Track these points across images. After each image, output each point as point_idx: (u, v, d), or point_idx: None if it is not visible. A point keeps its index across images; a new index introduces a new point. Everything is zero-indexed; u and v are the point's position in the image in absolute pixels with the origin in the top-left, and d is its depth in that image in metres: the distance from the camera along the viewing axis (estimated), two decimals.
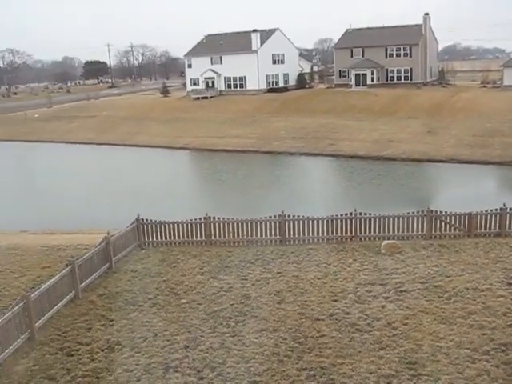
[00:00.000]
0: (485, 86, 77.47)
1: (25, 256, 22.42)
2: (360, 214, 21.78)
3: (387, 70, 79.83)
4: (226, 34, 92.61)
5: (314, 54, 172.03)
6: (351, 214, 21.82)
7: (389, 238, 21.28)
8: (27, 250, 23.33)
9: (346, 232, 21.84)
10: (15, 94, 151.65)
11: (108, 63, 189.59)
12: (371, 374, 12.18)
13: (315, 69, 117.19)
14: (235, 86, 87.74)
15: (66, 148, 71.14)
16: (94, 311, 16.23)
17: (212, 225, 22.25)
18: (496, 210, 21.87)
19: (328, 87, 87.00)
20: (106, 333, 14.72)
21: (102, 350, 13.76)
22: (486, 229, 21.95)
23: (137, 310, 16.10)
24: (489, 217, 21.90)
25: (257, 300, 16.36)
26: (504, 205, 21.85)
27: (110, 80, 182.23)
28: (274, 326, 14.63)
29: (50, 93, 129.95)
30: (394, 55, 79.30)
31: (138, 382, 12.31)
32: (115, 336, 14.49)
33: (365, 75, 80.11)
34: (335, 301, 16.02)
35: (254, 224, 22.13)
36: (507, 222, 21.84)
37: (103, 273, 19.28)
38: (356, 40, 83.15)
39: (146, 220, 22.47)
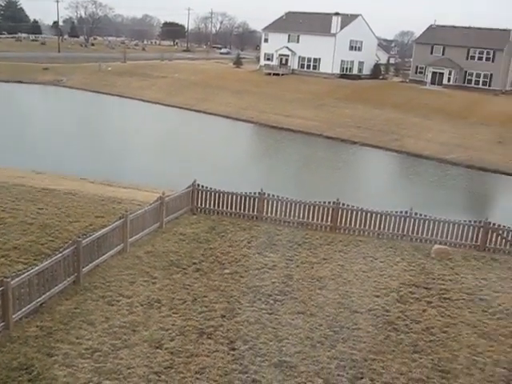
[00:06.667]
0: None
1: (81, 203, 23.07)
2: (415, 214, 21.35)
3: (466, 72, 77.49)
4: (307, 13, 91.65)
5: (392, 45, 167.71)
6: (406, 212, 21.42)
7: (440, 243, 20.83)
8: (84, 198, 24.02)
9: (398, 230, 21.48)
10: (92, 45, 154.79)
11: (186, 27, 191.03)
12: (401, 375, 12.05)
13: (392, 61, 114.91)
14: (308, 66, 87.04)
15: (131, 104, 72.59)
16: (139, 267, 16.61)
17: (266, 201, 22.27)
18: None
19: (402, 81, 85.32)
20: (147, 289, 15.07)
21: (142, 305, 14.11)
22: None
23: (180, 273, 16.39)
24: None
25: (298, 282, 16.36)
26: None
27: (185, 44, 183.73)
28: (311, 310, 14.62)
29: (126, 48, 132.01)
30: (476, 58, 76.61)
31: (172, 341, 12.56)
32: (156, 294, 14.82)
33: (442, 74, 78.03)
34: (377, 296, 15.84)
35: (307, 207, 22.00)
36: None
37: (153, 231, 19.66)
38: (438, 37, 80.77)
39: (202, 186, 22.71)
